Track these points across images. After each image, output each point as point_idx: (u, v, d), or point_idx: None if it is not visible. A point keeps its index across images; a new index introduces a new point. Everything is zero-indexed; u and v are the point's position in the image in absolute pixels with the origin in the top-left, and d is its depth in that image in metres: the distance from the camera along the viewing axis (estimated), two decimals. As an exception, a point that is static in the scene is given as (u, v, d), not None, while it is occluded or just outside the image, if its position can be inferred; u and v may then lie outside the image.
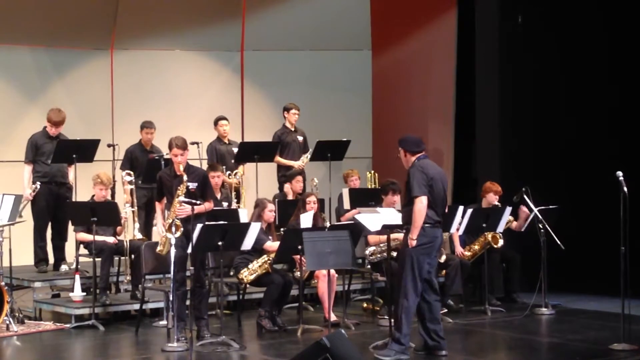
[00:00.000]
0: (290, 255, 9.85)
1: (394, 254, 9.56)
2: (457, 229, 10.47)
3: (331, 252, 8.60)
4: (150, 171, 10.90)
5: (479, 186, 11.68)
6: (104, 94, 13.36)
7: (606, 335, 9.20)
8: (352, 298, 11.52)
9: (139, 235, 10.67)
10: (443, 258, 10.16)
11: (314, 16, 14.22)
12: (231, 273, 10.36)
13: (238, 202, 11.71)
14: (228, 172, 11.80)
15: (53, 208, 10.97)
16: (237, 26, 14.05)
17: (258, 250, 9.76)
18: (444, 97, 13.97)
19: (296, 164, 12.32)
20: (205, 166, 11.09)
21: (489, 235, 10.80)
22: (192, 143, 10.47)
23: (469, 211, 10.48)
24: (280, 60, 14.23)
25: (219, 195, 10.89)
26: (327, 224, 10.42)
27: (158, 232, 9.36)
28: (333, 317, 9.57)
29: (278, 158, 12.35)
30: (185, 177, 8.90)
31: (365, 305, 11.01)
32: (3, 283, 9.56)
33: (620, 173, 8.80)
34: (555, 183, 12.00)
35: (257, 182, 12.04)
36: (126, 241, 10.28)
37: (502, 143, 12.46)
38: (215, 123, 12.34)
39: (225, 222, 9.23)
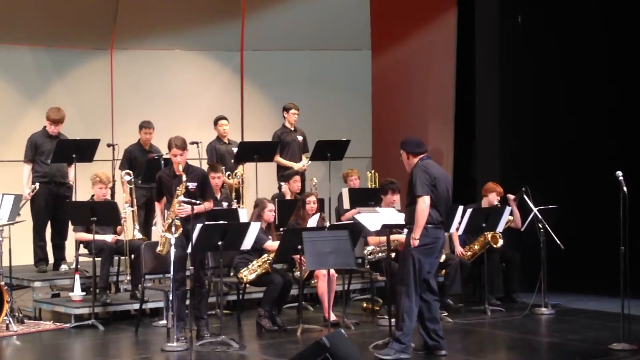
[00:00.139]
0: (290, 255, 9.86)
1: (394, 254, 9.55)
2: (457, 229, 10.47)
3: (331, 252, 8.62)
4: (150, 171, 10.90)
5: (478, 186, 11.68)
6: (103, 94, 13.36)
7: (606, 335, 9.19)
8: (352, 298, 11.52)
9: (138, 235, 10.67)
10: (443, 258, 10.12)
11: (314, 16, 14.21)
12: (231, 273, 10.37)
13: (238, 202, 11.71)
14: (228, 172, 11.80)
15: (52, 208, 10.97)
16: (237, 26, 14.05)
17: (258, 250, 9.77)
18: (444, 97, 13.95)
19: (297, 166, 12.32)
20: (205, 166, 11.09)
21: (489, 235, 10.79)
22: (192, 143, 10.47)
23: (469, 211, 10.47)
24: (280, 60, 14.23)
25: (218, 196, 10.89)
26: (327, 224, 10.42)
27: (157, 232, 9.35)
28: (333, 317, 9.58)
29: (278, 158, 12.34)
30: (184, 177, 8.90)
31: (365, 305, 11.00)
32: (3, 283, 9.55)
33: (620, 173, 8.80)
34: (555, 183, 11.99)
35: (257, 182, 12.05)
36: (126, 241, 10.29)
37: (502, 143, 12.44)
38: (215, 123, 12.33)
39: (225, 222, 9.23)
